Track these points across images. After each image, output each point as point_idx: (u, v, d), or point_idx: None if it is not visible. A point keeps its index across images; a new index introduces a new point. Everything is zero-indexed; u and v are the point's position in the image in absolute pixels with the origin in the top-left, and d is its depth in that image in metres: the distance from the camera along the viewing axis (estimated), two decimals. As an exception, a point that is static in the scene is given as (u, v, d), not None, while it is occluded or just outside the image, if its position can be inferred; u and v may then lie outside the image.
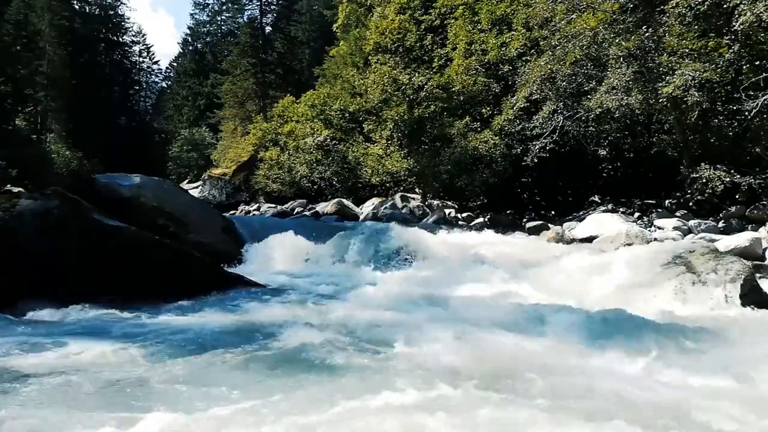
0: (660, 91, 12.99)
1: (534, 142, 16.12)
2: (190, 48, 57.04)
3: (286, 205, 24.33)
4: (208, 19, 57.58)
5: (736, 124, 13.20)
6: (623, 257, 8.35)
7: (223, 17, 57.46)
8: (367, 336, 5.29)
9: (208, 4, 56.79)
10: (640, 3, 14.04)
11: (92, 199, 8.39)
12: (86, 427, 3.28)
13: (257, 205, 28.31)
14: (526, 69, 16.63)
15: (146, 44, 56.90)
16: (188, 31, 58.30)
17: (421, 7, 24.18)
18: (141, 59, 56.68)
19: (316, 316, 6.25)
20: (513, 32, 18.30)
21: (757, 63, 12.18)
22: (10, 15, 25.52)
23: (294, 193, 26.17)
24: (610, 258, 8.84)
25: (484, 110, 19.06)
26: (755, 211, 12.80)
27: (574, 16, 14.69)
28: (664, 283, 7.08)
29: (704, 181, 12.98)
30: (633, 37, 13.54)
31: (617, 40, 13.86)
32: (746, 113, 12.17)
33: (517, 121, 17.52)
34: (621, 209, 15.10)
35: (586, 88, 15.41)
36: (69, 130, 33.29)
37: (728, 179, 12.79)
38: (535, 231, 13.92)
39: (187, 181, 40.93)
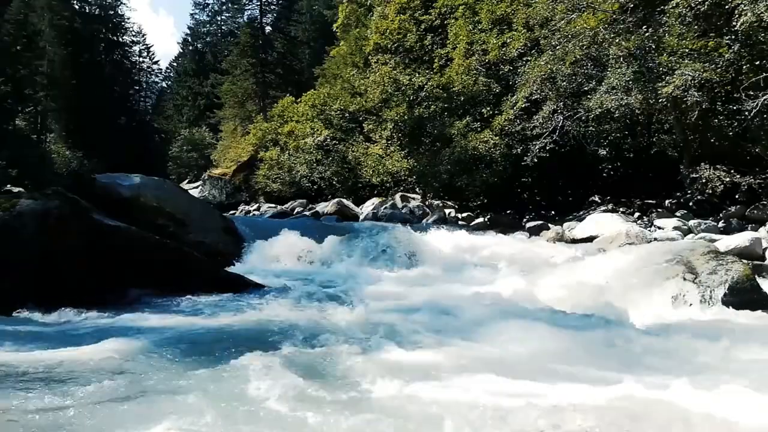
0: (660, 91, 12.99)
1: (534, 142, 16.12)
2: (190, 48, 57.03)
3: (286, 205, 24.29)
4: (208, 19, 57.62)
5: (736, 124, 13.20)
6: (623, 257, 8.35)
7: (223, 17, 57.48)
8: (365, 337, 5.30)
9: (208, 4, 56.83)
10: (640, 3, 14.04)
11: (92, 199, 8.40)
12: (87, 429, 3.29)
13: (257, 205, 28.27)
14: (527, 69, 16.64)
15: (146, 44, 56.75)
16: (188, 31, 58.32)
17: (421, 7, 24.13)
18: (141, 59, 56.56)
19: (316, 316, 6.25)
20: (513, 32, 18.29)
21: (757, 63, 12.19)
22: (10, 15, 25.46)
23: (294, 193, 26.13)
24: (609, 258, 8.85)
25: (484, 110, 19.04)
26: (755, 211, 12.80)
27: (574, 15, 14.70)
28: (664, 284, 7.08)
29: (704, 181, 12.99)
30: (633, 37, 13.55)
31: (617, 40, 13.87)
32: (746, 113, 12.18)
33: (517, 121, 17.51)
34: (621, 209, 15.09)
35: (586, 88, 15.42)
36: (69, 130, 33.33)
37: (728, 179, 12.81)
38: (535, 231, 13.91)
39: (187, 181, 40.92)
